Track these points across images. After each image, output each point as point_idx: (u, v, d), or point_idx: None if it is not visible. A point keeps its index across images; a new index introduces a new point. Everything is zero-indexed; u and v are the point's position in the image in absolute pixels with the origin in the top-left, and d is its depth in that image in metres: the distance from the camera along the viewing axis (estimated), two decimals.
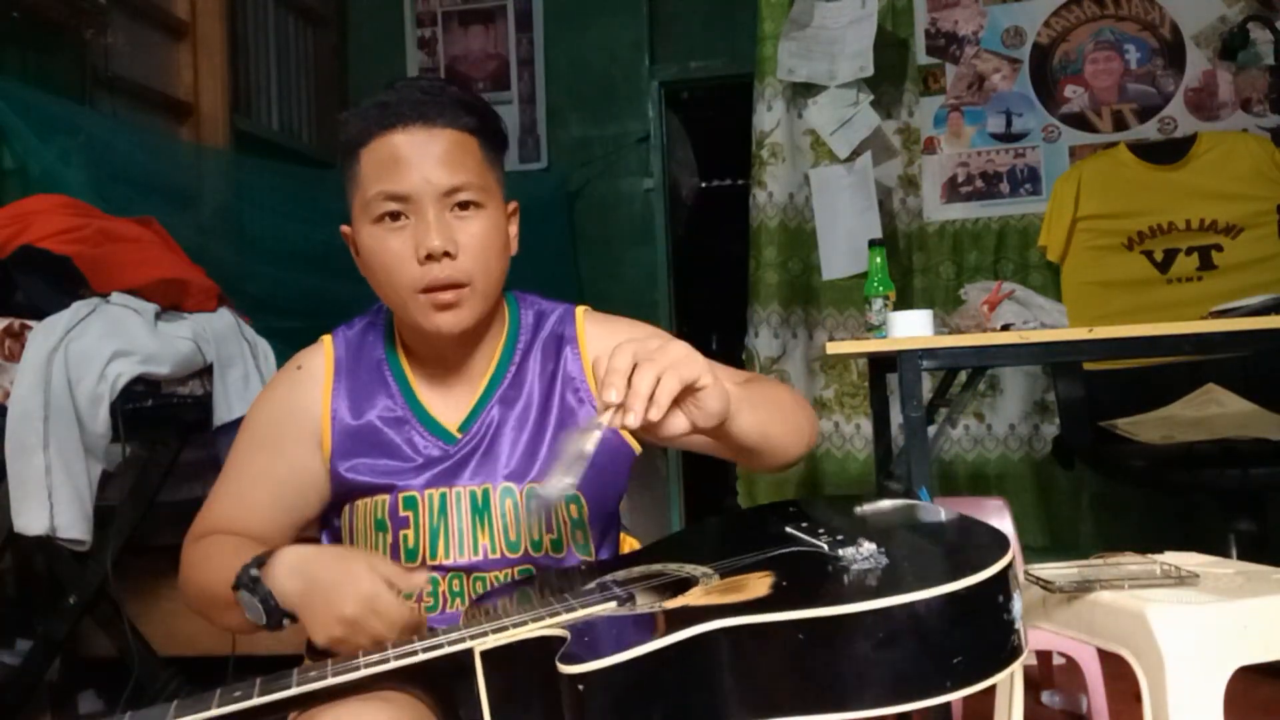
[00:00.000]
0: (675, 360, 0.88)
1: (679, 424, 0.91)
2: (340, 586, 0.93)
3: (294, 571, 0.97)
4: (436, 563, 1.12)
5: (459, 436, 1.15)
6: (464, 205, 1.08)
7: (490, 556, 1.12)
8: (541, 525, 1.14)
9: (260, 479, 1.15)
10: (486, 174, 1.11)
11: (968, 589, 0.82)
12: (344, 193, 1.14)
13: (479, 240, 1.08)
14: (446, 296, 1.07)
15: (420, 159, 1.06)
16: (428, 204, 1.06)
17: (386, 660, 0.87)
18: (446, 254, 1.06)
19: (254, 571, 0.98)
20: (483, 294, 1.10)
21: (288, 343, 2.41)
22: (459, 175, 1.07)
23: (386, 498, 1.13)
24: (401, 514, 1.12)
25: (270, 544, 1.05)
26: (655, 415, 0.87)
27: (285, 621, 0.98)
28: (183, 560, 1.13)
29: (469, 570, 1.12)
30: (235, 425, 2.15)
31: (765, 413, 1.04)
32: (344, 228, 1.17)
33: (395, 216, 1.07)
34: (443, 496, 1.13)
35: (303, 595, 0.95)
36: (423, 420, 1.16)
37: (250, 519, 1.13)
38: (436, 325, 1.09)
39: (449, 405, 1.17)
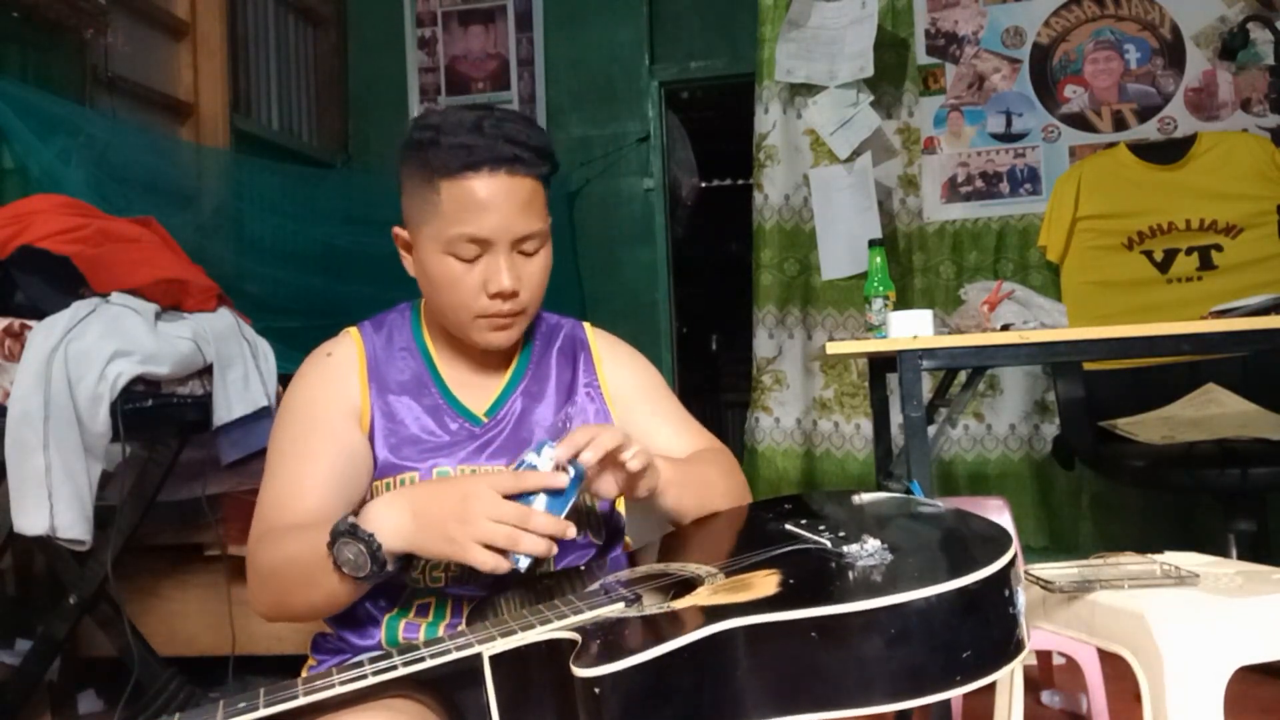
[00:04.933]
0: (622, 442, 1.07)
1: (608, 486, 1.09)
2: (450, 488, 1.01)
3: (393, 504, 1.02)
4: None
5: (485, 420, 1.23)
6: (529, 248, 1.18)
7: None
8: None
9: (312, 460, 1.15)
10: (547, 214, 1.20)
11: (977, 584, 0.83)
12: (401, 192, 1.20)
13: (538, 277, 1.20)
14: (504, 321, 1.19)
15: (501, 206, 1.14)
16: (501, 247, 1.15)
17: (394, 668, 0.87)
18: (513, 292, 1.16)
19: (350, 519, 1.00)
20: (530, 315, 1.23)
21: (288, 343, 2.42)
22: (532, 223, 1.16)
23: (415, 474, 1.17)
24: None
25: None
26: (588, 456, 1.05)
27: (390, 567, 1.01)
28: (253, 561, 1.12)
29: None
30: (235, 425, 2.17)
31: (690, 496, 1.19)
32: (398, 230, 1.23)
33: (470, 255, 1.15)
34: (474, 473, 1.18)
35: (415, 516, 1.00)
36: (453, 405, 1.23)
37: (308, 502, 1.12)
38: (489, 342, 1.20)
39: (475, 395, 1.25)
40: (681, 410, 1.35)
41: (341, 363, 1.23)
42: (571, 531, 1.00)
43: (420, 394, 1.22)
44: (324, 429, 1.17)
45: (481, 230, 1.13)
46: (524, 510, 0.99)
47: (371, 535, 0.99)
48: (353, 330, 1.27)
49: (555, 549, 0.99)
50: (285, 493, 1.14)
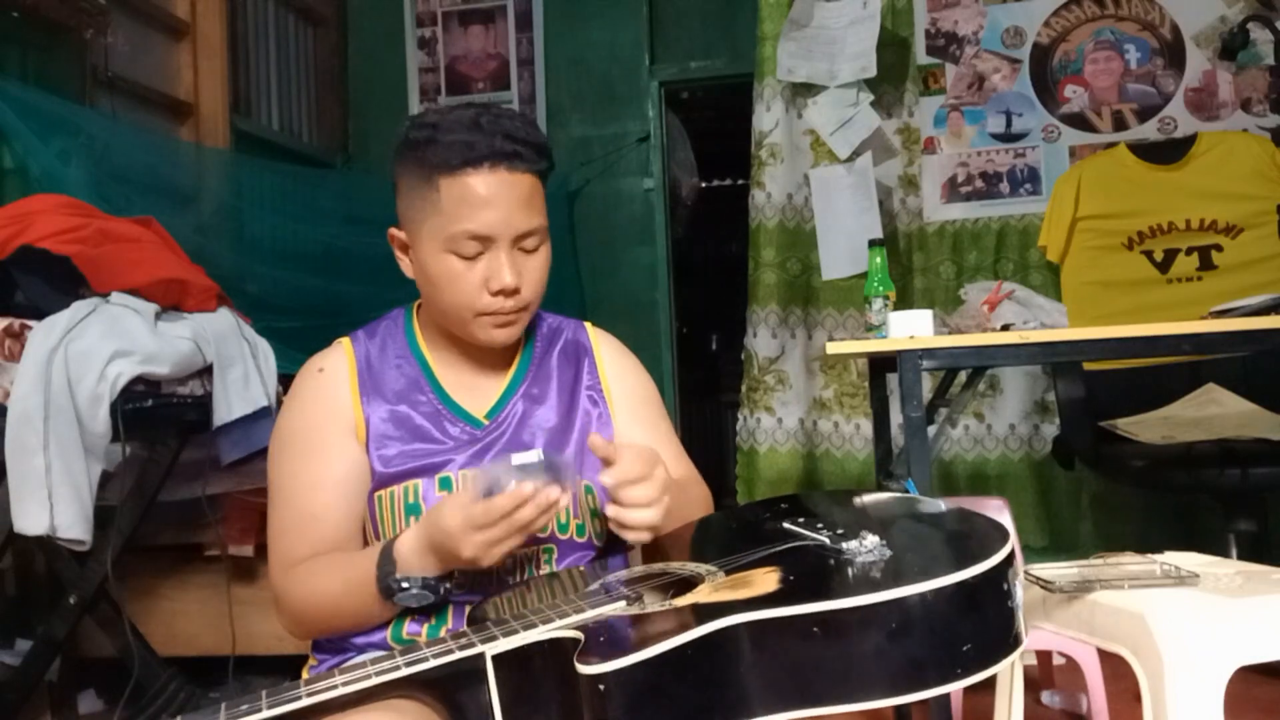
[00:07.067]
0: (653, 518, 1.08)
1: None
2: (449, 539, 1.04)
3: (418, 553, 1.08)
4: None
5: (486, 423, 1.22)
6: (530, 245, 1.17)
7: None
8: (568, 510, 1.20)
9: (318, 485, 1.17)
10: (545, 211, 1.19)
11: (976, 577, 0.84)
12: (396, 193, 1.20)
13: (539, 273, 1.19)
14: (507, 318, 1.18)
15: (503, 202, 1.13)
16: (502, 244, 1.15)
17: (397, 668, 0.87)
18: (515, 288, 1.16)
19: (397, 576, 1.07)
20: (531, 312, 1.23)
21: (288, 343, 2.42)
22: (533, 220, 1.16)
23: (419, 482, 1.17)
24: (437, 495, 1.16)
25: (347, 544, 1.17)
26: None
27: (447, 586, 1.10)
28: (286, 595, 1.16)
29: None
30: (235, 425, 2.17)
31: (674, 521, 1.17)
32: (394, 231, 1.22)
33: (472, 252, 1.14)
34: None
35: (442, 561, 1.07)
36: (452, 409, 1.22)
37: (323, 527, 1.16)
38: (493, 339, 1.19)
39: (475, 398, 1.24)
40: (674, 435, 1.34)
41: (332, 377, 1.22)
42: (555, 493, 1.03)
43: (417, 400, 1.21)
44: (325, 451, 1.18)
45: (483, 227, 1.13)
46: (512, 522, 1.02)
47: (422, 579, 1.07)
48: (344, 341, 1.26)
49: (564, 496, 1.03)
50: (301, 520, 1.17)
